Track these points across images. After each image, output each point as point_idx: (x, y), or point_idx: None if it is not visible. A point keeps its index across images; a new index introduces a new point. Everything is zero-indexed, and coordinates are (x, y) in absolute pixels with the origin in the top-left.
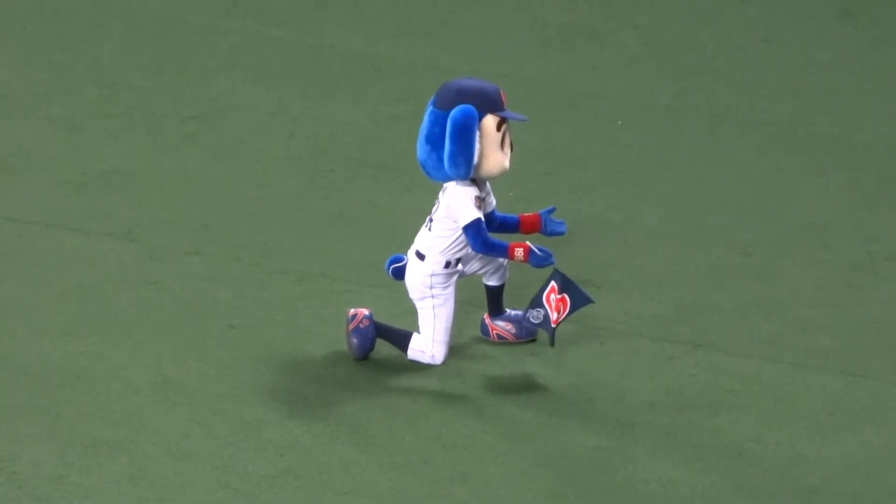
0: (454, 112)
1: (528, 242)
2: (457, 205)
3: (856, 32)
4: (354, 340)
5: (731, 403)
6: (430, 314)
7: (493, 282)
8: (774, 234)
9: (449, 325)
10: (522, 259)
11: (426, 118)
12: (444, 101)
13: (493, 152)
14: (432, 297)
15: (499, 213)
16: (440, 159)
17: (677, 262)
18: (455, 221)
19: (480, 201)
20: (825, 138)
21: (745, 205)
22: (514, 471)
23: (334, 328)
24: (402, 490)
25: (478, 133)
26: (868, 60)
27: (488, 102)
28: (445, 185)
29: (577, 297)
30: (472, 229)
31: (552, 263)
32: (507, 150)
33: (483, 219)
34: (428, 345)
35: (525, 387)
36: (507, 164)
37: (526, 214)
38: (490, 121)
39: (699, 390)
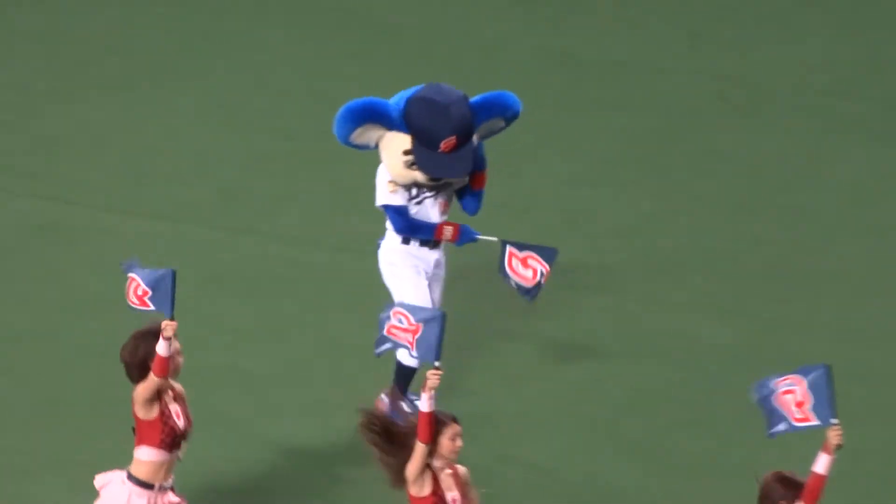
0: (366, 98)
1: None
2: (376, 188)
3: None
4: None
5: None
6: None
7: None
8: None
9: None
10: (452, 237)
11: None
12: (420, 89)
13: (392, 159)
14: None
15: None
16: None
17: None
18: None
19: (394, 185)
20: None
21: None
22: None
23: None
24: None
25: (389, 132)
26: None
27: (418, 130)
28: None
29: (542, 252)
30: (388, 210)
31: (475, 238)
32: (421, 176)
33: (401, 206)
34: None
35: None
36: (407, 180)
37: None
38: (404, 140)
39: None
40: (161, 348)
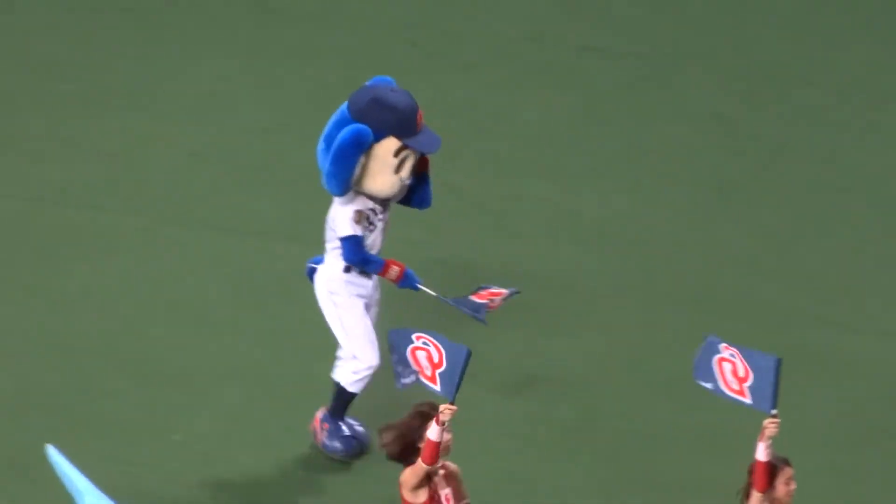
0: (344, 132)
1: (405, 265)
2: (336, 219)
3: None
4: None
5: None
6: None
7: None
8: None
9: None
10: (395, 278)
11: (335, 114)
12: (356, 106)
13: (382, 174)
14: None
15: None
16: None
17: None
18: (334, 231)
19: (360, 215)
20: None
21: None
22: None
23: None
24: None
25: (369, 153)
26: None
27: (397, 124)
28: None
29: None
30: (348, 242)
31: (416, 287)
32: (405, 174)
33: (360, 236)
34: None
35: None
36: (397, 188)
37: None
38: (389, 143)
39: None
40: (434, 433)
